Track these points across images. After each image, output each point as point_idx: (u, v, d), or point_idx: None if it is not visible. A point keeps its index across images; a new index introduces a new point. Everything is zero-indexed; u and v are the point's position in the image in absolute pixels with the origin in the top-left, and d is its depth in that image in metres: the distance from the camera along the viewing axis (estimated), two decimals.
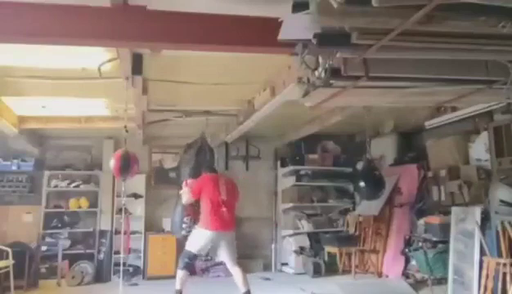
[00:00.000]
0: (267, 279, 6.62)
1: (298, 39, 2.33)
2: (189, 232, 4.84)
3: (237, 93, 4.89)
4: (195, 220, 4.84)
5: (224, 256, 4.70)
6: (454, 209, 5.07)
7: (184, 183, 5.05)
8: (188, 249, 4.66)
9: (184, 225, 4.89)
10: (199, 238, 4.63)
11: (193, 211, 5.01)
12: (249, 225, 7.57)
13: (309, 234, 7.37)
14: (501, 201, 4.37)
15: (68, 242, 6.90)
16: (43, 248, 6.72)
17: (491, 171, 5.05)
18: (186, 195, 4.87)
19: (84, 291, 6.40)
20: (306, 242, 7.25)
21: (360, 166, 5.47)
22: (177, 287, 4.59)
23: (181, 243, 6.07)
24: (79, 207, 7.03)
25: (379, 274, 6.33)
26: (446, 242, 5.07)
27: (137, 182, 6.89)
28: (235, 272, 4.64)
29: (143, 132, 6.34)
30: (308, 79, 2.77)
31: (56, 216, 6.96)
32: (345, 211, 7.61)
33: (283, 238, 7.58)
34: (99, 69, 3.74)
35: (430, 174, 6.06)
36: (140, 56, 3.56)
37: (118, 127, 5.25)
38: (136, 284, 6.58)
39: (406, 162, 6.53)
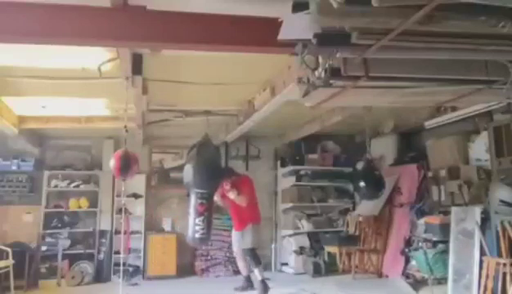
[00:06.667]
0: (267, 279, 6.60)
1: (298, 39, 2.33)
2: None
3: (237, 93, 4.89)
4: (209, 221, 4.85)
5: None
6: (454, 209, 5.06)
7: (227, 186, 5.50)
8: (252, 246, 5.54)
9: (197, 227, 4.82)
10: (257, 233, 5.65)
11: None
12: None
13: (309, 234, 7.37)
14: (501, 201, 4.36)
15: (68, 242, 6.91)
16: (43, 248, 6.72)
17: (491, 171, 5.05)
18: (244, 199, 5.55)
19: (84, 291, 6.40)
20: (306, 242, 7.25)
21: (360, 166, 5.47)
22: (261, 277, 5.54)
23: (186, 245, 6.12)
24: (79, 207, 7.03)
25: (379, 274, 6.33)
26: (446, 242, 5.07)
27: (137, 182, 6.89)
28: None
29: (143, 132, 6.34)
30: (308, 79, 2.76)
31: (56, 215, 6.96)
32: (345, 211, 7.60)
33: (283, 238, 7.58)
34: (99, 69, 3.74)
35: (430, 174, 6.05)
36: (140, 56, 3.56)
37: (118, 127, 5.25)
38: (136, 284, 6.58)
39: (406, 162, 6.52)
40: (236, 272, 6.97)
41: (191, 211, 4.72)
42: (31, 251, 6.47)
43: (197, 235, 4.71)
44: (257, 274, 5.53)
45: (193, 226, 4.69)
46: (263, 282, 5.50)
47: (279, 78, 4.00)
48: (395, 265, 6.04)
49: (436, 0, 1.75)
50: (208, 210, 4.72)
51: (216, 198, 5.45)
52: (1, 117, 5.09)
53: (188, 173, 4.74)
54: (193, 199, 4.71)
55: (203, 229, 4.68)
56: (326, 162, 7.76)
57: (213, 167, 4.82)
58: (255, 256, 5.54)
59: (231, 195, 5.51)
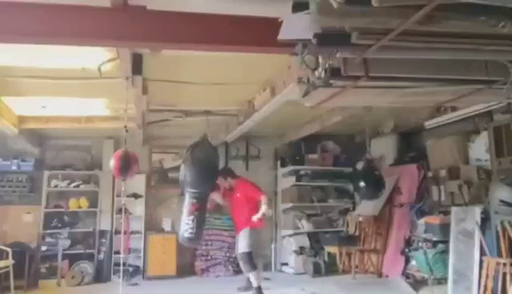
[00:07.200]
0: (267, 279, 6.61)
1: (298, 39, 2.33)
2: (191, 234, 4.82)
3: (237, 93, 4.89)
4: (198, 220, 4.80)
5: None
6: (454, 209, 5.06)
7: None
8: (247, 250, 5.33)
9: (187, 227, 4.80)
10: (254, 237, 5.42)
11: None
12: None
13: (309, 234, 7.38)
14: (501, 201, 4.37)
15: (68, 242, 6.91)
16: (43, 248, 6.72)
17: (491, 171, 5.06)
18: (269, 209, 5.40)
19: (84, 291, 6.40)
20: (306, 242, 7.26)
21: (360, 166, 5.47)
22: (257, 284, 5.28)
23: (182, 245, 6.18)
24: (79, 207, 7.03)
25: (379, 274, 6.33)
26: (446, 242, 5.07)
27: (137, 182, 6.89)
28: None
29: (143, 132, 6.34)
30: (308, 79, 2.77)
31: (56, 215, 6.96)
32: (345, 211, 7.61)
33: (283, 238, 7.59)
34: (99, 69, 3.74)
35: (430, 174, 6.06)
36: (140, 56, 3.56)
37: (118, 127, 5.25)
38: (136, 284, 6.58)
39: (406, 162, 6.52)
40: (236, 272, 6.98)
41: (184, 210, 4.77)
42: (31, 251, 6.47)
43: (186, 234, 4.74)
44: (252, 280, 5.35)
45: (184, 225, 4.74)
46: (259, 289, 5.30)
47: (279, 78, 4.00)
48: (395, 265, 6.04)
49: (436, 0, 1.75)
50: (199, 210, 4.71)
51: (216, 198, 5.46)
52: (1, 117, 5.09)
53: (182, 173, 4.81)
54: (186, 198, 4.77)
55: (192, 228, 4.70)
56: (326, 162, 7.76)
57: (207, 167, 4.81)
58: (250, 260, 5.34)
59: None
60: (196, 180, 4.74)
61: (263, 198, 5.32)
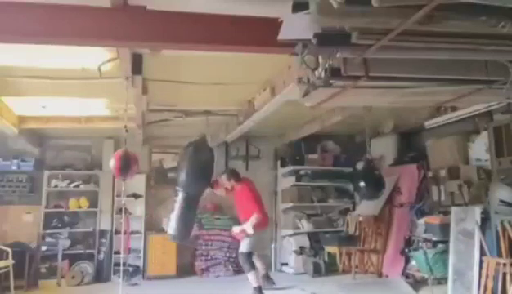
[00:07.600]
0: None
1: (298, 39, 2.33)
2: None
3: (237, 93, 4.89)
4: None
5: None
6: (454, 209, 5.06)
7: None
8: (246, 251, 5.43)
9: (170, 224, 5.02)
10: (255, 239, 5.49)
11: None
12: None
13: (309, 234, 7.38)
14: (501, 201, 4.36)
15: (68, 242, 6.91)
16: (43, 248, 6.73)
17: (491, 171, 5.06)
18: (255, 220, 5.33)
19: (84, 291, 6.40)
20: (306, 242, 7.26)
21: (360, 166, 5.47)
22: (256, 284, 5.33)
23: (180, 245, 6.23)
24: (79, 207, 7.04)
25: (379, 274, 6.32)
26: (446, 242, 5.07)
27: (137, 182, 6.89)
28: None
29: (143, 132, 6.35)
30: (308, 79, 2.77)
31: (56, 215, 6.96)
32: (345, 211, 7.61)
33: (283, 238, 7.59)
34: (99, 69, 3.74)
35: (430, 174, 6.06)
36: (140, 56, 3.56)
37: (118, 127, 5.25)
38: (136, 284, 6.58)
39: (406, 162, 6.52)
40: (236, 272, 6.98)
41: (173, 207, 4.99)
42: (31, 251, 6.47)
43: (170, 231, 4.98)
44: (250, 280, 5.35)
45: (169, 221, 5.02)
46: (259, 290, 5.30)
47: (279, 78, 4.00)
48: (395, 265, 6.04)
49: (436, 0, 1.75)
50: (182, 208, 4.84)
51: (219, 192, 5.60)
52: (1, 117, 5.09)
53: (177, 171, 5.03)
54: (176, 196, 4.97)
55: (173, 225, 4.91)
56: (326, 162, 7.76)
57: (197, 169, 4.87)
58: (248, 261, 5.38)
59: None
60: (185, 181, 4.84)
61: (254, 217, 5.31)
